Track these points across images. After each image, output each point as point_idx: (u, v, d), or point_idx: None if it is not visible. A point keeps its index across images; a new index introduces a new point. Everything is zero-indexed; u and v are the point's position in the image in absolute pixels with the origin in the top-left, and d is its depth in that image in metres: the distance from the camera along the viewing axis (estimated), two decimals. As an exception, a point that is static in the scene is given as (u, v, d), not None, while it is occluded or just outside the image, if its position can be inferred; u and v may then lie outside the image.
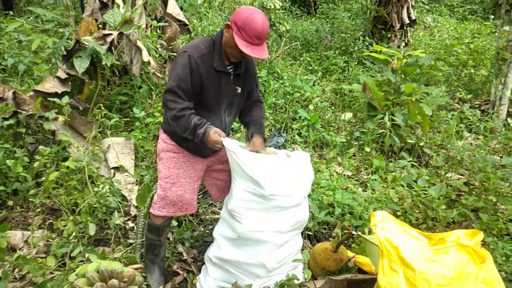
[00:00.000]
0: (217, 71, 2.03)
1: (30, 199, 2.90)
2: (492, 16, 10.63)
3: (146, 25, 4.36)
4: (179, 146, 2.18)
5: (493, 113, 5.21)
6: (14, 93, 3.18)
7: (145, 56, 3.70)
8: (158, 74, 3.94)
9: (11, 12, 6.71)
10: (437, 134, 4.62)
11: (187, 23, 4.73)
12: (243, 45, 1.91)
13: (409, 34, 7.62)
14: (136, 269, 2.06)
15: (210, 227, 2.94)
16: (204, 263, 2.41)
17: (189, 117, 1.99)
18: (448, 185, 3.42)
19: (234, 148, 2.08)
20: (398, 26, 7.34)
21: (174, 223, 2.82)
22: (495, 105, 5.33)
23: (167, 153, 2.19)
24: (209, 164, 2.30)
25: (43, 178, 2.92)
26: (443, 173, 3.60)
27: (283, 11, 8.49)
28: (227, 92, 2.11)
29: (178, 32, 4.55)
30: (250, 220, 2.11)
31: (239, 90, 2.17)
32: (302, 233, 2.48)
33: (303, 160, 2.27)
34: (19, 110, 3.13)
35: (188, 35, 4.79)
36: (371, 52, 5.17)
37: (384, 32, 7.36)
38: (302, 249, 2.44)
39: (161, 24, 4.38)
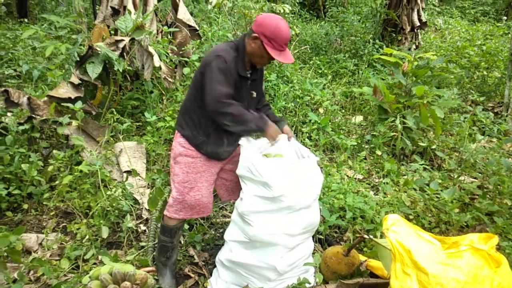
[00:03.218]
0: (240, 76, 2.09)
1: (44, 203, 2.94)
2: (505, 17, 10.50)
3: (157, 30, 4.43)
4: (197, 150, 2.18)
5: (507, 115, 5.13)
6: (28, 98, 3.25)
7: (156, 61, 3.75)
8: (169, 79, 3.98)
9: (25, 20, 6.88)
10: (450, 137, 4.57)
11: (197, 28, 4.78)
12: (276, 54, 1.99)
13: (419, 37, 7.57)
14: (148, 272, 2.08)
15: (221, 230, 2.95)
16: (215, 266, 2.41)
17: (248, 115, 2.04)
18: (461, 188, 3.37)
19: (249, 148, 2.11)
20: (408, 28, 7.30)
21: (185, 226, 2.83)
22: (509, 107, 5.25)
23: (185, 157, 2.19)
24: (221, 166, 2.32)
25: (57, 182, 2.97)
26: (456, 177, 3.56)
27: (292, 15, 8.50)
28: (246, 96, 2.18)
29: (188, 37, 4.60)
30: (261, 223, 2.11)
31: (254, 94, 2.25)
32: (313, 236, 2.48)
33: (311, 163, 2.27)
34: (33, 115, 3.19)
35: (199, 40, 4.83)
36: (381, 55, 5.14)
37: (394, 35, 7.33)
38: (313, 253, 2.43)
39: (171, 29, 4.43)
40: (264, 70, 4.98)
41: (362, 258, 2.47)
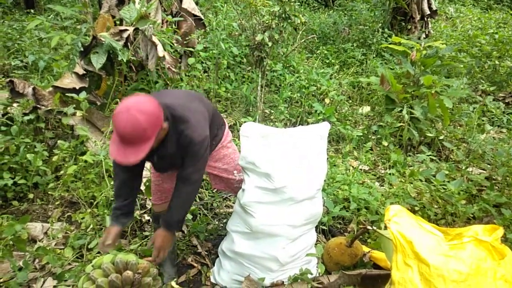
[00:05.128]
0: None
1: (49, 192, 2.97)
2: (519, 5, 10.22)
3: (162, 20, 4.39)
4: None
5: (518, 106, 5.03)
6: (33, 88, 3.26)
7: (161, 51, 3.72)
8: (173, 69, 3.96)
9: (32, 11, 6.89)
10: (458, 127, 4.49)
11: (203, 18, 4.74)
12: (113, 140, 1.71)
13: (430, 25, 7.41)
14: (150, 261, 2.09)
15: (224, 220, 2.95)
16: (218, 256, 2.42)
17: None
18: (468, 179, 3.32)
19: (247, 140, 2.09)
20: (418, 17, 7.15)
21: (189, 216, 2.84)
22: (520, 97, 5.14)
23: None
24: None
25: (62, 172, 2.99)
26: (463, 168, 3.50)
27: (299, 3, 8.39)
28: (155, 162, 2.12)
29: (193, 27, 4.56)
30: (263, 214, 2.10)
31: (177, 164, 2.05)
32: (316, 227, 2.46)
33: (321, 132, 2.23)
34: (38, 106, 3.20)
35: (203, 30, 4.79)
36: (389, 43, 5.05)
37: (404, 24, 7.19)
38: (316, 244, 2.42)
39: (176, 19, 4.40)
40: (269, 60, 4.92)
41: (365, 249, 2.45)
